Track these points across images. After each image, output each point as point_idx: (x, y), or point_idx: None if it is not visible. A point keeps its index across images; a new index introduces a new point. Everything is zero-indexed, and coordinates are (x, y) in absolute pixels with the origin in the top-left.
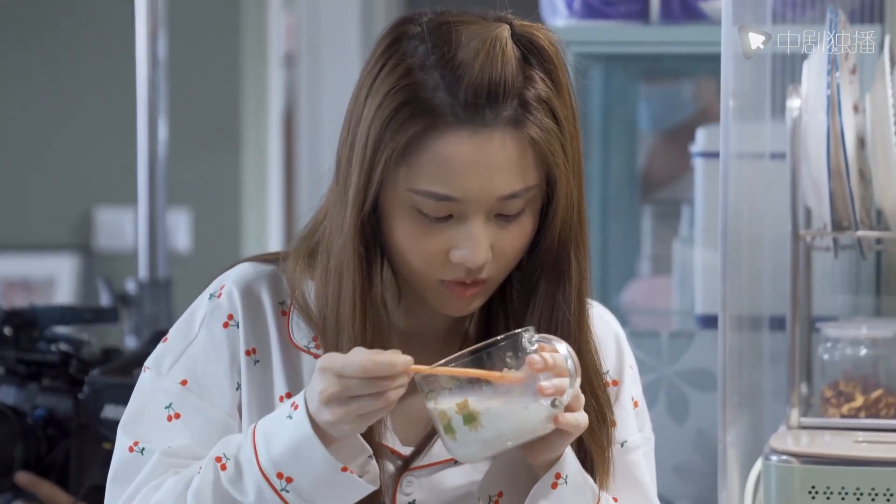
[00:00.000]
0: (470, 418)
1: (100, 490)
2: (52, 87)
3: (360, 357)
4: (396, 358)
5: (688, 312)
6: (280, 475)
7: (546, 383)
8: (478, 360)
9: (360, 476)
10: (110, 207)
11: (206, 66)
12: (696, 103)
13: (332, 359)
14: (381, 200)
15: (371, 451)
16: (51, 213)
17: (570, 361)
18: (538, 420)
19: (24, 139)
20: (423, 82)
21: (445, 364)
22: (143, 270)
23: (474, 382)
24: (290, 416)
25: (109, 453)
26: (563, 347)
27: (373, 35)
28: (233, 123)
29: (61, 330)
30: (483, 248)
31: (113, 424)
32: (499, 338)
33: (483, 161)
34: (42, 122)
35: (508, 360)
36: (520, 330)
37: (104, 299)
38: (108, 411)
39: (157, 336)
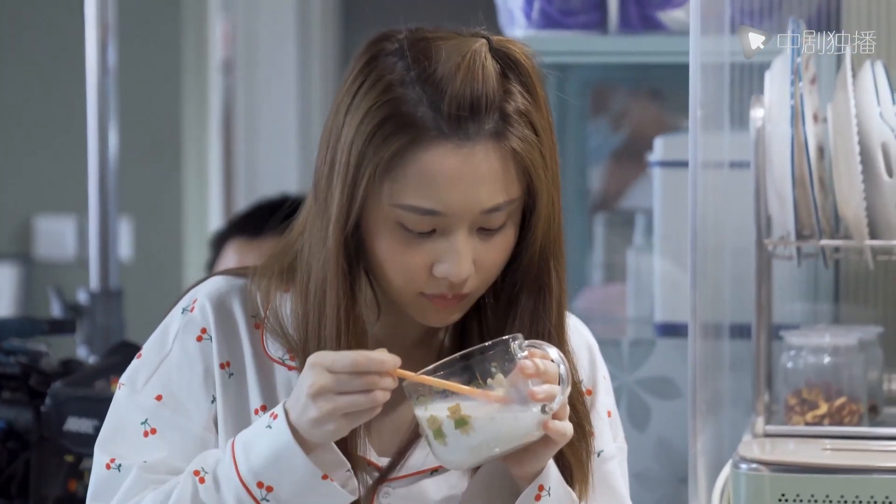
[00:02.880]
0: (461, 422)
1: (61, 502)
2: None
3: (351, 353)
4: (386, 356)
5: (643, 320)
6: (260, 484)
7: (538, 388)
8: (467, 368)
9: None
10: (50, 216)
11: (145, 74)
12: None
13: (323, 355)
14: (364, 215)
15: (349, 465)
16: None
17: (562, 367)
18: (528, 426)
19: None
20: (405, 97)
21: (434, 370)
22: (94, 280)
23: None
24: (269, 426)
25: (71, 466)
26: (554, 353)
27: (309, 40)
28: (173, 131)
29: (17, 342)
30: (466, 263)
31: (75, 437)
32: (486, 344)
33: (468, 174)
34: None
35: (495, 367)
36: (507, 337)
37: (55, 310)
38: (71, 423)
39: (116, 348)
